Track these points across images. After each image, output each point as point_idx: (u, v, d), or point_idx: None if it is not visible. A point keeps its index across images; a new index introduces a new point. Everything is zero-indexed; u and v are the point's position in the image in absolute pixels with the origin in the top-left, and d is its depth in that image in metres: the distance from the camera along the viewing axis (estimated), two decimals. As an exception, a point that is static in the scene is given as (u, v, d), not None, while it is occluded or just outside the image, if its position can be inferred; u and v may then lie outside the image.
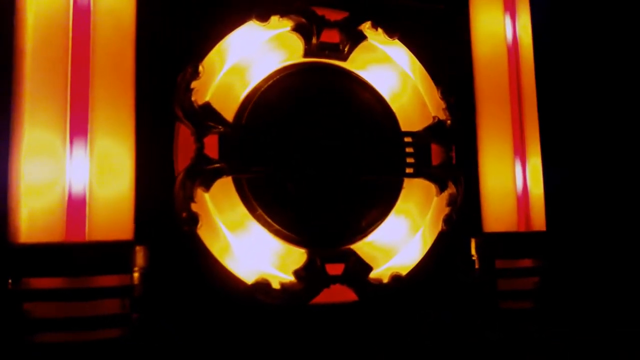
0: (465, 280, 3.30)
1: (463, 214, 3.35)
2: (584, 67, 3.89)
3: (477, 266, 3.33)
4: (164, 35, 2.88)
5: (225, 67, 2.99)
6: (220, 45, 2.96)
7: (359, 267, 3.08)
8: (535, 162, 3.49)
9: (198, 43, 2.92)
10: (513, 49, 3.53)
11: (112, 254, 2.64)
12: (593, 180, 3.82)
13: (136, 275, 2.73)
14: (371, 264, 3.13)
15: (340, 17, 3.18)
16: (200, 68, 2.85)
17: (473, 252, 3.34)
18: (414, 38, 3.32)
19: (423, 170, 3.27)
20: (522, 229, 3.42)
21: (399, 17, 3.32)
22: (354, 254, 3.09)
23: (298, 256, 3.04)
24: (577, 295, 3.67)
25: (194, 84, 2.85)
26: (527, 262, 3.42)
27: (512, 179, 3.40)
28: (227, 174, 2.92)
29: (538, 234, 3.41)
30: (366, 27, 3.19)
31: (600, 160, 3.89)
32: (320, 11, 3.15)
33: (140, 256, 2.73)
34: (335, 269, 3.07)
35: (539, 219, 3.46)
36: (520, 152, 3.46)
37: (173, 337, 2.81)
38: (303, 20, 3.04)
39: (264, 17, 2.99)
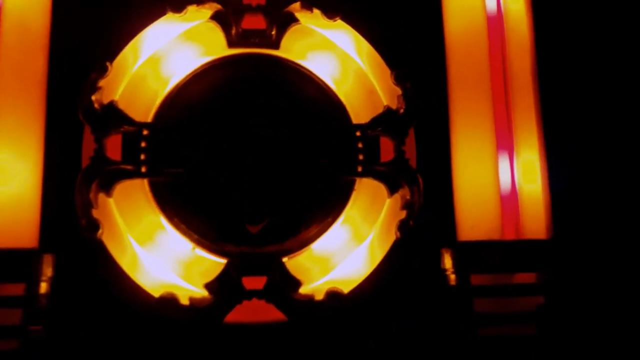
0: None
1: (429, 219, 2.78)
2: (598, 40, 3.11)
3: (451, 283, 2.73)
4: (76, 33, 2.78)
5: (138, 64, 2.81)
6: (134, 41, 2.79)
7: (285, 281, 2.67)
8: (529, 156, 2.83)
9: (109, 39, 2.77)
10: (496, 21, 2.93)
11: (11, 262, 2.54)
12: (607, 177, 3.00)
13: (43, 285, 2.60)
14: (305, 277, 2.72)
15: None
16: (108, 65, 2.68)
17: (446, 265, 2.75)
18: (362, 16, 2.89)
19: (369, 168, 2.78)
20: (511, 237, 2.76)
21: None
22: (279, 265, 2.69)
23: (216, 267, 2.72)
24: (581, 321, 2.87)
25: (101, 82, 2.70)
26: (518, 278, 2.75)
27: (495, 176, 2.78)
28: (130, 177, 2.70)
29: (530, 242, 2.74)
30: (297, 9, 2.82)
31: (618, 154, 3.05)
32: (249, -4, 2.84)
33: (45, 265, 2.59)
34: (259, 282, 2.70)
35: (533, 225, 2.79)
36: (506, 144, 2.83)
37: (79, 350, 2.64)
38: (219, 7, 2.76)
39: (179, 8, 2.77)
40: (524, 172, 2.83)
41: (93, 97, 2.70)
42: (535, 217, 2.80)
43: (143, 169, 2.74)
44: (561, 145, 3.00)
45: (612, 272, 2.98)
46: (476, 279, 2.72)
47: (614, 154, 3.08)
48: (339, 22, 2.87)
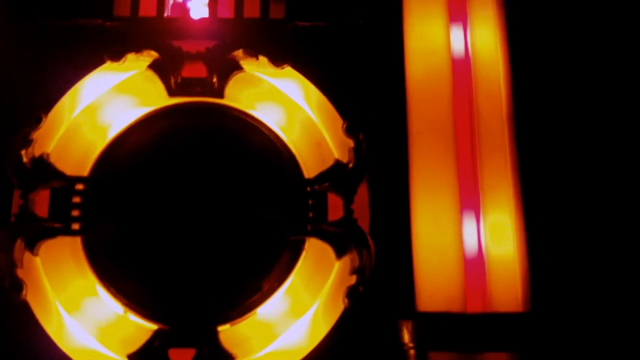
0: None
1: (383, 285, 2.49)
2: (581, 87, 2.78)
3: (410, 360, 2.42)
4: (11, 82, 2.65)
5: (74, 114, 2.66)
6: (71, 91, 2.65)
7: (216, 354, 2.42)
8: (499, 216, 2.50)
9: (45, 89, 2.63)
10: (463, 64, 2.65)
11: None
12: (593, 240, 2.63)
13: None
14: (241, 349, 2.47)
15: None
16: (42, 116, 2.55)
17: (404, 339, 2.44)
18: (313, 61, 2.66)
19: (315, 227, 2.52)
20: (477, 309, 2.44)
21: (296, 40, 2.69)
22: (212, 335, 2.44)
23: (146, 335, 2.49)
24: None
25: (34, 135, 2.55)
26: (487, 358, 2.42)
27: (458, 240, 2.47)
28: (57, 234, 2.52)
29: (500, 316, 2.40)
30: (240, 56, 2.63)
31: (603, 214, 2.68)
32: (194, 44, 2.67)
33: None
34: (189, 354, 2.45)
35: (504, 295, 2.44)
36: (472, 201, 2.52)
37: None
38: (157, 55, 2.59)
39: (117, 57, 2.62)
40: (493, 234, 2.51)
41: (23, 151, 2.55)
42: (506, 286, 2.46)
43: (76, 226, 2.56)
44: (540, 203, 2.66)
45: (599, 351, 2.59)
46: (437, 358, 2.39)
47: (599, 213, 2.71)
48: (288, 69, 2.66)
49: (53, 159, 2.58)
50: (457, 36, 2.70)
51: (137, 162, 2.63)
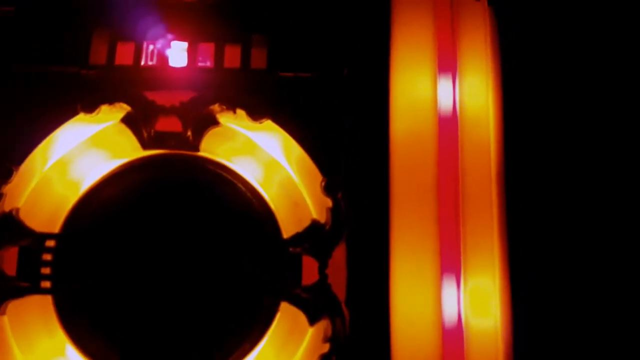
0: None
1: (360, 355, 2.39)
2: (577, 148, 2.64)
3: None
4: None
5: (46, 168, 2.59)
6: (43, 144, 2.58)
7: None
8: (480, 284, 2.39)
9: (17, 142, 2.56)
10: (450, 125, 2.54)
11: None
12: (586, 309, 2.49)
13: None
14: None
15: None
16: (13, 169, 2.48)
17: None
18: (294, 116, 2.56)
19: (288, 292, 2.42)
20: (456, 384, 2.32)
21: (278, 91, 2.60)
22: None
23: (115, 400, 2.42)
24: None
25: (4, 189, 2.49)
26: None
27: (437, 309, 2.36)
28: (25, 294, 2.46)
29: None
30: (217, 110, 2.54)
31: (597, 281, 2.54)
32: (172, 94, 2.58)
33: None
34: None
35: (485, 365, 2.33)
36: (453, 266, 2.40)
37: None
38: (129, 109, 2.51)
39: (91, 108, 2.55)
40: (474, 301, 2.39)
41: (-4, 206, 2.49)
42: (484, 356, 2.34)
43: (46, 284, 2.49)
44: (527, 268, 2.53)
45: None
46: None
47: (592, 283, 2.57)
48: (268, 122, 2.57)
49: (23, 215, 2.52)
50: (445, 89, 2.58)
51: (109, 217, 2.56)
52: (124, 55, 2.67)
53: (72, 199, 2.58)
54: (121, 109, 2.56)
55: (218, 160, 2.60)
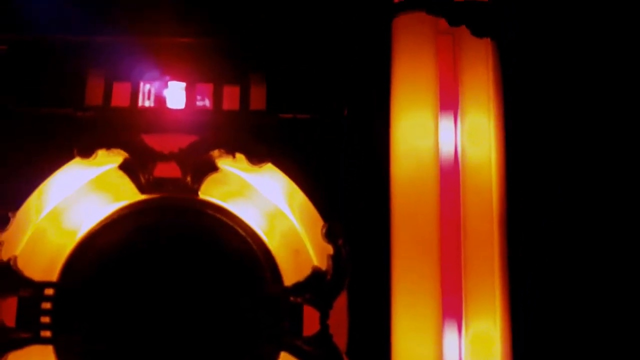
0: None
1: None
2: (580, 197, 2.63)
3: None
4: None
5: (42, 216, 2.55)
6: (39, 189, 2.53)
7: None
8: (482, 329, 2.40)
9: (14, 186, 2.52)
10: (452, 168, 2.53)
11: None
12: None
13: None
14: None
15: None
16: (10, 216, 2.44)
17: None
18: (295, 160, 2.54)
19: (289, 343, 2.42)
20: None
21: (278, 133, 2.57)
22: None
23: None
24: None
25: (2, 236, 2.45)
26: None
27: (438, 356, 2.36)
28: (25, 345, 2.44)
29: None
30: (217, 155, 2.51)
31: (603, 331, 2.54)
32: (169, 137, 2.55)
33: None
34: None
35: None
36: (454, 313, 2.41)
37: None
38: (126, 155, 2.48)
39: (88, 153, 2.50)
40: (476, 349, 2.40)
41: (-8, 255, 2.45)
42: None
43: (46, 334, 2.47)
44: (531, 317, 2.52)
45: None
46: None
47: (598, 328, 2.57)
48: (268, 165, 2.54)
49: (21, 264, 2.48)
50: (447, 131, 2.57)
51: (107, 264, 2.53)
52: (120, 96, 2.62)
53: (69, 246, 2.55)
54: (119, 153, 2.52)
55: (218, 205, 2.57)
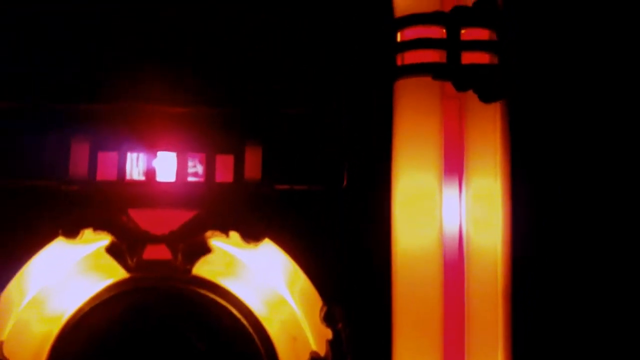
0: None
1: None
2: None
3: None
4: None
5: (28, 297, 2.42)
6: (21, 272, 2.39)
7: None
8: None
9: (-7, 267, 2.38)
10: (456, 242, 2.42)
11: None
12: None
13: None
14: None
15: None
16: (-7, 300, 2.31)
17: None
18: (292, 235, 2.40)
19: None
20: None
21: (274, 205, 2.43)
22: None
23: None
24: None
25: (-15, 322, 2.32)
26: None
27: None
28: None
29: None
30: (209, 235, 2.37)
31: None
32: (159, 212, 2.41)
33: None
34: None
35: None
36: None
37: None
38: (113, 238, 2.34)
39: (73, 233, 2.36)
40: None
41: (-28, 342, 2.33)
42: None
43: None
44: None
45: None
46: None
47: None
48: (266, 240, 2.41)
49: (7, 351, 2.36)
50: (451, 200, 2.44)
51: (96, 347, 2.42)
52: (106, 167, 2.47)
53: (54, 331, 2.42)
54: (105, 236, 2.38)
55: (212, 283, 2.44)
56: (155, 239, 2.37)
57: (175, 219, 2.43)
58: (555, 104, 2.63)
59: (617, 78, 2.68)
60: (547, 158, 2.60)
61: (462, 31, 2.45)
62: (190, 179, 2.47)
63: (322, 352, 2.35)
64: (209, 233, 2.37)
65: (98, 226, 2.37)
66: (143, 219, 2.42)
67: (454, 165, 2.46)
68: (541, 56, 2.61)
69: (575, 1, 2.64)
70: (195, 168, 2.52)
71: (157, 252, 2.39)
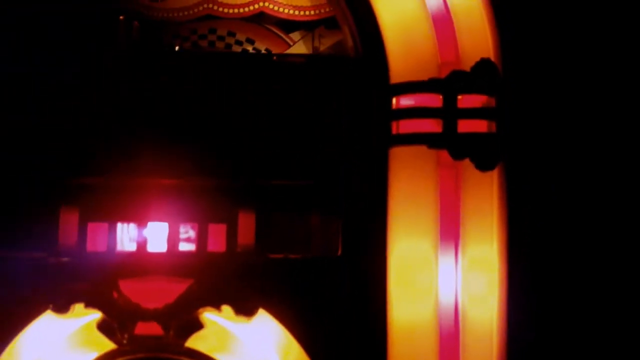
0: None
1: None
2: None
3: None
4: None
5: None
6: (11, 346, 2.35)
7: None
8: None
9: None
10: (452, 310, 2.38)
11: None
12: None
13: None
14: None
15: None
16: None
17: None
18: (288, 305, 2.38)
19: None
20: None
21: (267, 275, 2.40)
22: None
23: None
24: None
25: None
26: None
27: None
28: None
29: None
30: (201, 311, 2.33)
31: None
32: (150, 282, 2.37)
33: None
34: None
35: None
36: None
37: None
38: (107, 318, 2.30)
39: (63, 309, 2.32)
40: None
41: None
42: None
43: None
44: None
45: None
46: None
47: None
48: (261, 312, 2.38)
49: None
50: (447, 267, 2.40)
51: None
52: (96, 238, 2.43)
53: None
54: (96, 312, 2.34)
55: (205, 355, 2.40)
56: (147, 316, 2.32)
57: (167, 290, 2.38)
58: (553, 167, 2.59)
59: (614, 140, 2.64)
60: (545, 224, 2.56)
61: (459, 97, 2.41)
62: (183, 247, 2.42)
63: None
64: (200, 310, 2.33)
65: (89, 302, 2.33)
66: (134, 290, 2.37)
67: (450, 233, 2.42)
68: (540, 120, 2.57)
69: (573, 67, 2.59)
70: (188, 234, 2.48)
71: (148, 328, 2.34)
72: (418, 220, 2.37)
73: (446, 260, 2.42)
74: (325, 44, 2.83)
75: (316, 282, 2.43)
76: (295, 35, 2.81)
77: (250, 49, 2.79)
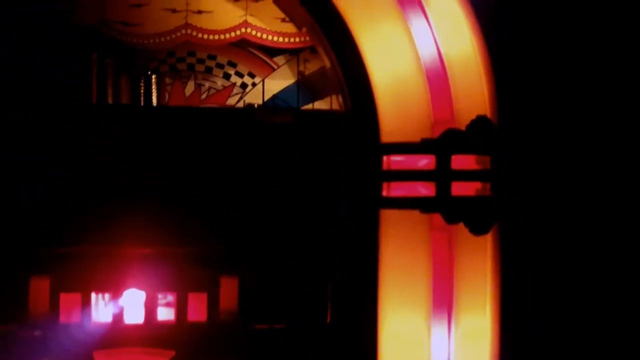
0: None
1: None
2: None
3: None
4: None
5: None
6: None
7: None
8: None
9: None
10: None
11: None
12: None
13: None
14: None
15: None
16: None
17: None
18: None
19: None
20: None
21: (252, 345, 2.28)
22: None
23: None
24: None
25: None
26: None
27: None
28: None
29: None
30: (182, 390, 2.21)
31: None
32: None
33: None
34: None
35: None
36: None
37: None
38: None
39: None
40: None
41: None
42: None
43: None
44: None
45: None
46: None
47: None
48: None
49: None
50: (440, 337, 2.29)
51: None
52: (69, 309, 2.29)
53: None
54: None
55: None
56: (124, 394, 2.20)
57: (144, 364, 2.26)
58: (550, 229, 2.47)
59: (615, 187, 2.53)
60: (542, 289, 2.45)
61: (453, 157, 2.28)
62: (162, 316, 2.29)
63: None
64: (181, 388, 2.21)
65: (63, 379, 2.19)
66: (110, 364, 2.24)
67: (443, 302, 2.31)
68: (537, 174, 2.44)
69: (572, 117, 2.46)
70: (166, 299, 2.35)
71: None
72: (410, 291, 2.27)
73: (439, 331, 2.32)
74: (310, 68, 2.69)
75: (303, 354, 2.30)
76: (280, 59, 2.67)
77: (232, 72, 2.64)
